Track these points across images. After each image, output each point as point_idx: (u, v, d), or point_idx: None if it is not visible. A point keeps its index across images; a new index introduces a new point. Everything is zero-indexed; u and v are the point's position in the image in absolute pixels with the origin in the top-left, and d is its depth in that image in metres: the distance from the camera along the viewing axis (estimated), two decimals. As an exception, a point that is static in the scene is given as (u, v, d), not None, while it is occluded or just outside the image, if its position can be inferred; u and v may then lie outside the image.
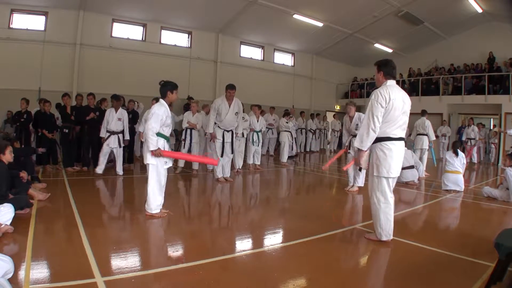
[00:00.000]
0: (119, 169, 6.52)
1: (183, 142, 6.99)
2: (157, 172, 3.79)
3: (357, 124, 5.58)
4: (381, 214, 3.08)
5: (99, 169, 6.30)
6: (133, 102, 8.07)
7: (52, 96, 7.74)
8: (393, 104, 2.94)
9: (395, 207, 3.21)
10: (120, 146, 6.43)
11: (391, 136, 3.01)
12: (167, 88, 3.86)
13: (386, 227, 3.11)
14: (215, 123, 5.99)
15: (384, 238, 3.13)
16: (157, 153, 3.69)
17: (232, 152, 6.35)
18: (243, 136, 7.55)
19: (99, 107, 7.00)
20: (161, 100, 3.86)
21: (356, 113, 5.69)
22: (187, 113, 7.14)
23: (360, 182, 5.80)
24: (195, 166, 7.23)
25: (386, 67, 3.13)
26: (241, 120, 6.43)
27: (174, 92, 3.90)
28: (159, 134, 3.74)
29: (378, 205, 3.10)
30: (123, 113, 6.48)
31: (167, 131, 3.90)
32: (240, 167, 7.57)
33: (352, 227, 3.76)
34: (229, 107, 5.91)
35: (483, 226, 4.16)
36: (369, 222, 3.87)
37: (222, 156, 6.07)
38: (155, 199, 3.79)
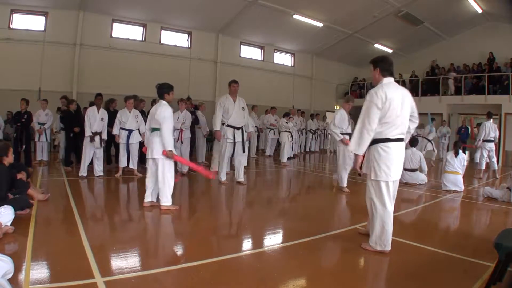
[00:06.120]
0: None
1: None
2: (169, 163, 4.09)
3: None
4: (377, 222, 2.86)
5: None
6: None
7: (52, 96, 7.75)
8: (390, 104, 2.72)
9: (396, 207, 3.18)
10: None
11: (390, 137, 2.80)
12: (163, 90, 4.17)
13: (382, 237, 2.86)
14: (222, 123, 5.72)
15: (378, 248, 2.89)
16: (170, 155, 4.00)
17: (244, 152, 5.98)
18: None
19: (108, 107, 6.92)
20: (163, 102, 4.15)
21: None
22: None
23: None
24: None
25: (383, 63, 2.89)
26: (249, 117, 6.21)
27: (170, 94, 4.21)
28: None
29: (375, 212, 2.87)
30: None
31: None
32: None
33: (352, 227, 3.75)
34: (234, 102, 5.79)
35: (483, 226, 4.17)
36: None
37: (233, 155, 5.88)
38: (170, 191, 4.08)
